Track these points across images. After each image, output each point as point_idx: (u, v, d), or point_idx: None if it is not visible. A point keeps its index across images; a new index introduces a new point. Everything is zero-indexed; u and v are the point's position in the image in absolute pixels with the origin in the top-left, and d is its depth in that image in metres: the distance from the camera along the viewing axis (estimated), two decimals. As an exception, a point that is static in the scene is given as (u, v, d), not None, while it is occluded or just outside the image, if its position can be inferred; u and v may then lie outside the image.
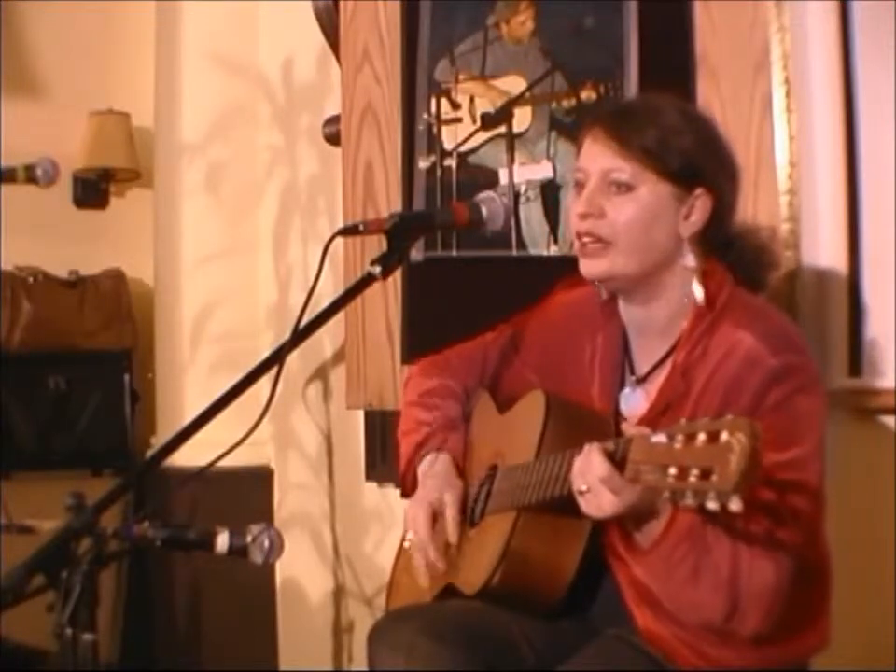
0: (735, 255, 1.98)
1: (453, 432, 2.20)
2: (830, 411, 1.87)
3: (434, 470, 2.15)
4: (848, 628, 2.02)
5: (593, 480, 1.70)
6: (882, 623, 2.28)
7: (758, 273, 2.01)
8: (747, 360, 1.82)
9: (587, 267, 1.94)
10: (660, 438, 1.57)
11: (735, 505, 1.47)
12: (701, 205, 1.91)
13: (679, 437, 1.53)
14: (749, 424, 1.47)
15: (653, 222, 1.90)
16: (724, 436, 1.47)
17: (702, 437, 1.50)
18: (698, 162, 1.91)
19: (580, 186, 1.95)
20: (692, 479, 1.49)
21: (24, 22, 4.14)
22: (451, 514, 2.08)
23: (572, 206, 1.96)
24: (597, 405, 2.01)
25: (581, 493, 1.73)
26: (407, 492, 2.22)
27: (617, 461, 1.68)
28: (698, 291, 1.90)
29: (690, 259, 1.92)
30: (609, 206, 1.91)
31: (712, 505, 1.49)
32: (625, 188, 1.90)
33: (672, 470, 1.52)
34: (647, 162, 1.89)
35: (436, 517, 2.09)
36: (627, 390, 2.00)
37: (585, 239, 1.93)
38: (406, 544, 2.18)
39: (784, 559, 1.77)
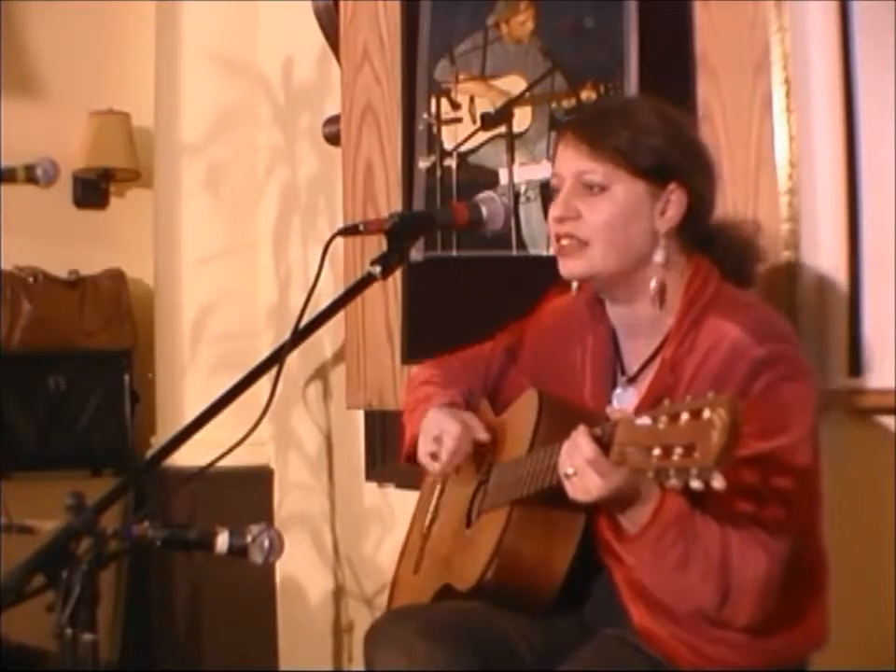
0: (721, 249, 1.99)
1: (463, 409, 2.19)
2: (830, 411, 1.87)
3: (457, 411, 2.15)
4: (848, 628, 2.02)
5: (579, 462, 1.70)
6: (882, 623, 2.28)
7: (744, 266, 2.02)
8: (732, 351, 1.83)
9: (566, 267, 1.96)
10: (645, 420, 1.59)
11: (718, 482, 1.48)
12: (676, 200, 1.92)
13: (663, 418, 1.55)
14: (729, 400, 1.48)
15: (629, 220, 1.91)
16: (706, 413, 1.49)
17: (685, 416, 1.52)
18: (670, 159, 1.92)
19: (556, 191, 1.97)
20: (675, 457, 1.51)
21: (24, 22, 4.14)
22: (481, 434, 2.10)
23: (550, 211, 1.97)
24: (590, 406, 2.01)
25: (568, 476, 1.73)
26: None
27: (603, 445, 1.68)
28: (652, 284, 1.92)
29: (659, 255, 1.92)
30: (584, 207, 1.92)
31: (696, 483, 1.50)
32: (599, 188, 1.91)
33: (656, 451, 1.54)
34: (619, 162, 1.90)
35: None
36: (619, 390, 2.01)
37: (563, 241, 1.94)
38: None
39: (776, 547, 1.77)
